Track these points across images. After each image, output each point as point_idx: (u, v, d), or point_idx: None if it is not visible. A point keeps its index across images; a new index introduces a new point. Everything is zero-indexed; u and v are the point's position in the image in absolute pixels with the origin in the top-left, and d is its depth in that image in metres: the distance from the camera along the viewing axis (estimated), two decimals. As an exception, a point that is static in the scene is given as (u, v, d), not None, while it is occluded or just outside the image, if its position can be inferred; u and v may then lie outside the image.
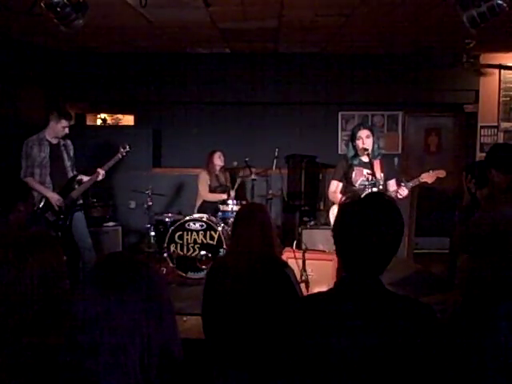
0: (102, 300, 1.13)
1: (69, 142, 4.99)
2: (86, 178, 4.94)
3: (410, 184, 4.25)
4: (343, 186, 4.41)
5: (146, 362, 1.12)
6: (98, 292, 1.15)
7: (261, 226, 2.57)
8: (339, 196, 4.40)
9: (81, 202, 5.00)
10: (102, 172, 4.88)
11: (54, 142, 4.83)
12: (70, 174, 4.90)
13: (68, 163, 4.90)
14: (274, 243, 2.62)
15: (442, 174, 4.28)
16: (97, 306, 1.13)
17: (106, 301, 1.13)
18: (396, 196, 4.20)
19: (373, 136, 4.32)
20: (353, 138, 4.37)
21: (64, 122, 4.76)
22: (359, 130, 4.33)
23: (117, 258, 1.26)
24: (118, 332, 1.11)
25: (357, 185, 4.32)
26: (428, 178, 4.26)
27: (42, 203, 4.70)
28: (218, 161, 6.20)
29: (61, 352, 1.14)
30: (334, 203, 4.51)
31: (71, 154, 4.97)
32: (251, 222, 2.58)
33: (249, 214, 2.66)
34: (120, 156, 5.06)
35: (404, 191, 4.22)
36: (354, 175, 4.34)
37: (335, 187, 4.44)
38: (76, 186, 4.89)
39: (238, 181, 6.37)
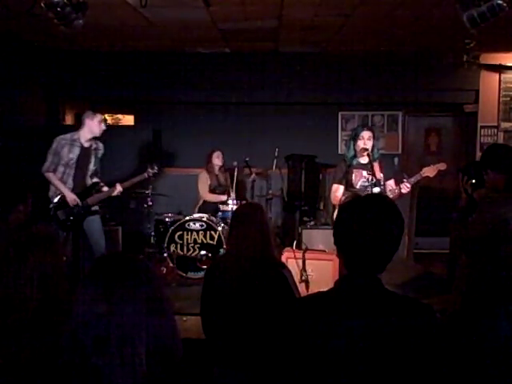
0: (105, 296, 1.14)
1: (100, 144, 4.94)
2: (105, 188, 4.92)
3: (412, 179, 4.25)
4: (344, 188, 4.39)
5: (152, 357, 1.13)
6: (100, 289, 1.15)
7: (258, 225, 2.57)
8: (340, 198, 4.38)
9: (96, 208, 4.94)
10: (119, 188, 4.86)
11: (86, 145, 4.78)
12: (89, 180, 4.86)
13: (92, 168, 4.85)
14: (271, 243, 2.61)
15: (442, 166, 4.29)
16: (100, 302, 1.13)
17: (109, 297, 1.14)
18: (400, 193, 4.20)
19: (373, 138, 4.32)
20: (354, 137, 4.35)
21: (99, 116, 4.75)
22: (362, 130, 4.31)
23: (116, 256, 1.27)
24: (124, 326, 1.12)
25: (357, 186, 4.30)
26: (429, 171, 4.27)
27: (57, 200, 4.67)
28: (217, 160, 6.20)
29: (63, 351, 1.14)
30: (335, 206, 4.49)
31: (99, 156, 4.92)
32: (249, 222, 2.57)
33: (246, 214, 2.65)
34: (146, 176, 5.04)
35: (407, 187, 4.21)
36: (353, 177, 4.32)
37: (336, 190, 4.40)
38: (94, 193, 4.84)
39: (229, 182, 6.36)
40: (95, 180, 4.91)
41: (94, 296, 1.15)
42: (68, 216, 4.69)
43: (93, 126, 4.74)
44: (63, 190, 4.65)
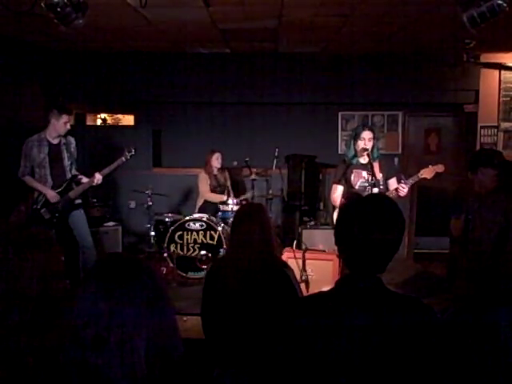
0: (106, 296, 1.14)
1: (71, 139, 4.94)
2: (85, 179, 4.91)
3: (410, 181, 4.23)
4: (344, 188, 4.39)
5: (152, 357, 1.12)
6: (101, 288, 1.15)
7: (260, 226, 2.57)
8: (339, 199, 4.38)
9: (80, 201, 4.96)
10: (98, 177, 4.80)
11: (55, 141, 4.80)
12: (69, 174, 4.87)
13: (67, 162, 4.86)
14: (273, 243, 2.61)
15: (440, 168, 4.28)
16: (101, 301, 1.13)
17: (111, 296, 1.14)
18: (397, 194, 4.19)
19: (374, 138, 4.32)
20: (355, 137, 4.35)
21: (65, 118, 4.73)
22: (363, 130, 4.31)
23: (119, 256, 1.27)
24: (124, 326, 1.12)
25: (356, 187, 4.30)
26: (427, 173, 4.25)
27: (40, 200, 4.70)
28: (216, 162, 6.20)
29: (63, 349, 1.14)
30: (335, 206, 4.49)
31: (72, 151, 4.92)
32: (250, 222, 2.57)
33: (248, 214, 2.65)
34: (124, 160, 4.94)
35: (404, 188, 4.20)
36: (352, 177, 4.33)
37: (336, 190, 4.41)
38: (74, 186, 4.86)
39: (228, 182, 6.40)
40: (74, 173, 4.91)
41: (95, 295, 1.15)
42: (53, 214, 4.73)
43: (57, 127, 4.74)
44: (42, 189, 4.70)
